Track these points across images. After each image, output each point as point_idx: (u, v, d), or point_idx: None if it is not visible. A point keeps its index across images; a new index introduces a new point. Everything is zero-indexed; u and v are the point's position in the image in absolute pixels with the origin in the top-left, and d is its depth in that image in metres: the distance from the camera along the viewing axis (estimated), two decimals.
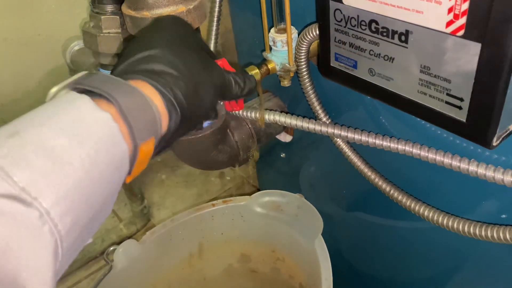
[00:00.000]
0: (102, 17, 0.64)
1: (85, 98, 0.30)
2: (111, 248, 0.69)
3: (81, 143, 0.28)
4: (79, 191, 0.27)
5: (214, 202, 0.77)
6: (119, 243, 0.71)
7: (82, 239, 0.29)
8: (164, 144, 0.37)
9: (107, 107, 0.31)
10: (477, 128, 0.37)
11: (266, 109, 0.61)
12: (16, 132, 0.27)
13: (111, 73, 0.37)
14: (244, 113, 0.60)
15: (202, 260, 0.80)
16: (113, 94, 0.31)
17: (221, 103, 0.62)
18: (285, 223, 0.73)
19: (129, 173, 0.33)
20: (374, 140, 0.51)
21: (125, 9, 0.53)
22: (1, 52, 0.79)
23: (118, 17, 0.64)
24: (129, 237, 0.98)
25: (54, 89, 0.32)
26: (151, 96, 0.33)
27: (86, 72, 0.34)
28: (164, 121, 0.35)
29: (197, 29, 0.53)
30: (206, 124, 0.61)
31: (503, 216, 0.46)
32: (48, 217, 0.25)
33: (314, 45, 0.53)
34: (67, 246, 0.27)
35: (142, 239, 0.72)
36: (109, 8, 0.64)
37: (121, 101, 0.31)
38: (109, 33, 0.65)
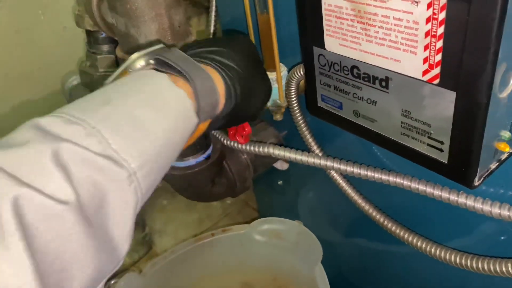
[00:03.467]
0: (98, 56, 0.66)
1: (163, 76, 0.34)
2: (112, 282, 0.70)
3: (165, 116, 0.31)
4: (159, 157, 0.30)
5: (213, 231, 0.78)
6: (121, 271, 0.72)
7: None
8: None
9: (182, 85, 0.34)
10: (458, 170, 0.38)
11: (261, 142, 0.62)
12: (109, 100, 0.30)
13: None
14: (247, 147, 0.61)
15: None
16: (191, 75, 0.34)
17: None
18: (285, 251, 0.74)
19: None
20: (366, 172, 0.52)
21: (119, 52, 0.55)
22: (2, 86, 0.80)
23: (113, 56, 0.66)
24: (132, 265, 0.98)
25: (135, 56, 0.36)
26: (217, 83, 0.38)
27: (162, 46, 0.37)
28: (220, 107, 0.38)
29: None
30: (201, 158, 0.62)
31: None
32: (135, 177, 0.28)
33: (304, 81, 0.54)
34: (141, 205, 0.30)
35: (143, 271, 0.73)
36: (105, 48, 0.66)
37: (197, 82, 0.35)
38: (105, 72, 0.66)
